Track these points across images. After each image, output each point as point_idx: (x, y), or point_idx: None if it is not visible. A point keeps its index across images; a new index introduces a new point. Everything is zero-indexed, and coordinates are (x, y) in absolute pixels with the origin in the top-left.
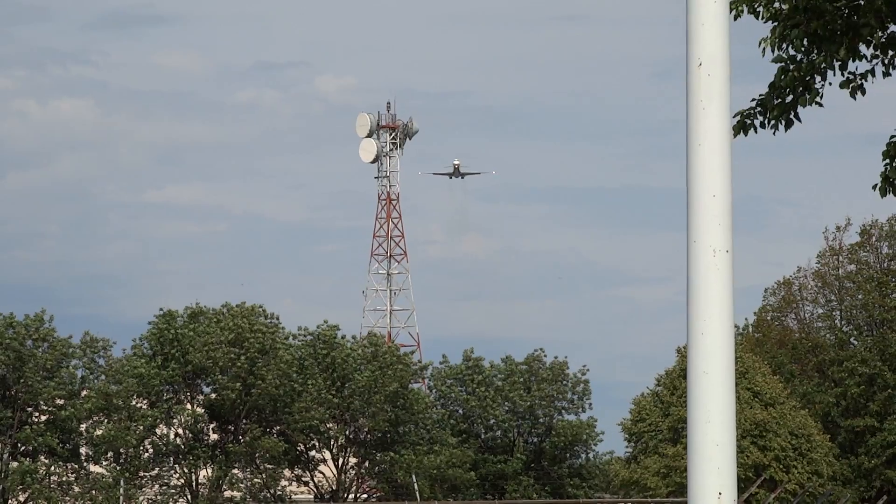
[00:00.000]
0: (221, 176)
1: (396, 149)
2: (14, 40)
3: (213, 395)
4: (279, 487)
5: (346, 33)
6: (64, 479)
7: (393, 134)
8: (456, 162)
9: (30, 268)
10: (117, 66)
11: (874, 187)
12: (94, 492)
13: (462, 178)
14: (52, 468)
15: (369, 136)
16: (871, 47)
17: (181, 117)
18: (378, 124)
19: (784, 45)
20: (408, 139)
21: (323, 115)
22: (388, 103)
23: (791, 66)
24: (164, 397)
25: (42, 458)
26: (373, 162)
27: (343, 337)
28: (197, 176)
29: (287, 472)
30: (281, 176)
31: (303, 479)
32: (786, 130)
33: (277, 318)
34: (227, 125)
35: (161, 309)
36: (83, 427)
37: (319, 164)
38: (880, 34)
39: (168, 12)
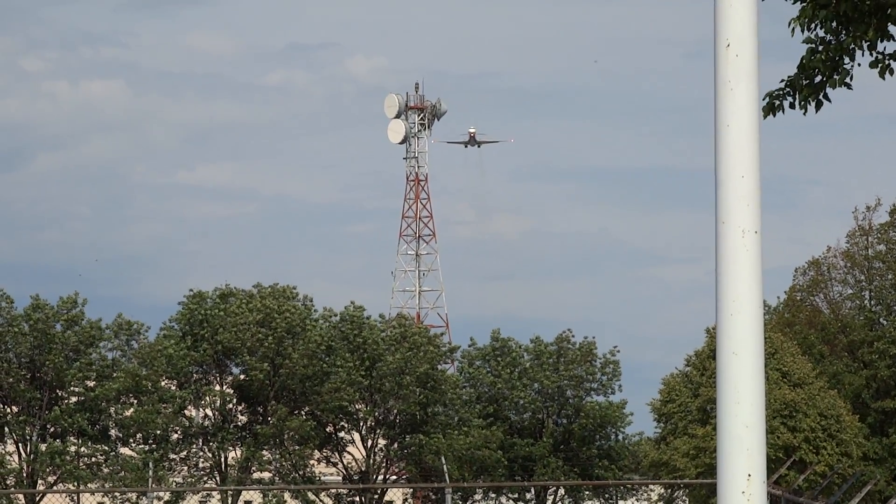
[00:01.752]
0: (251, 157)
1: (425, 129)
2: (45, 22)
3: (242, 377)
4: (308, 469)
5: (378, 14)
6: (93, 460)
7: (421, 115)
8: (472, 130)
9: (60, 249)
10: (148, 48)
11: None
12: (123, 473)
13: (478, 146)
14: (82, 449)
15: (398, 117)
16: None
17: (212, 98)
18: (406, 105)
19: (813, 26)
20: (436, 120)
21: (353, 96)
22: (417, 84)
23: (820, 47)
24: (193, 378)
25: (71, 438)
26: (401, 143)
27: (370, 318)
28: (227, 157)
29: (316, 454)
30: (311, 157)
31: (332, 460)
32: (816, 111)
33: (311, 300)
34: (258, 106)
35: (191, 290)
36: (112, 409)
37: (349, 145)
38: None
39: None
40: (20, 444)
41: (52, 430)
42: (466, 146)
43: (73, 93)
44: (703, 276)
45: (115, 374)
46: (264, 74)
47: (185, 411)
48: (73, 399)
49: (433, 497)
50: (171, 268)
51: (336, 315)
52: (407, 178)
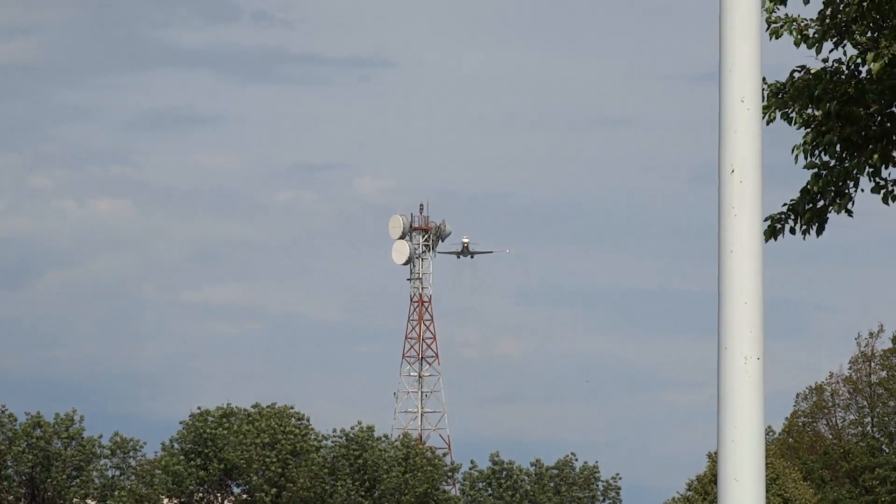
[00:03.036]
0: (258, 276)
1: (429, 251)
2: (54, 139)
3: (245, 497)
4: None
5: (386, 135)
6: None
7: (426, 236)
8: (465, 240)
9: (65, 366)
10: (156, 166)
11: None
12: None
13: (471, 256)
14: None
15: (402, 237)
16: None
17: (219, 217)
18: (411, 226)
19: (817, 152)
20: (441, 241)
21: (361, 215)
22: (421, 205)
23: (824, 172)
24: (195, 497)
25: None
26: (405, 264)
27: (377, 438)
28: (234, 275)
29: None
30: (317, 276)
31: None
32: (817, 235)
33: (308, 420)
34: (265, 225)
35: (199, 408)
36: None
37: (355, 265)
38: None
39: (208, 112)
40: None
41: None
42: (459, 256)
43: (80, 210)
44: (706, 401)
45: (115, 493)
46: (272, 193)
47: None
48: None
49: None
50: (177, 385)
51: (345, 435)
52: (411, 299)
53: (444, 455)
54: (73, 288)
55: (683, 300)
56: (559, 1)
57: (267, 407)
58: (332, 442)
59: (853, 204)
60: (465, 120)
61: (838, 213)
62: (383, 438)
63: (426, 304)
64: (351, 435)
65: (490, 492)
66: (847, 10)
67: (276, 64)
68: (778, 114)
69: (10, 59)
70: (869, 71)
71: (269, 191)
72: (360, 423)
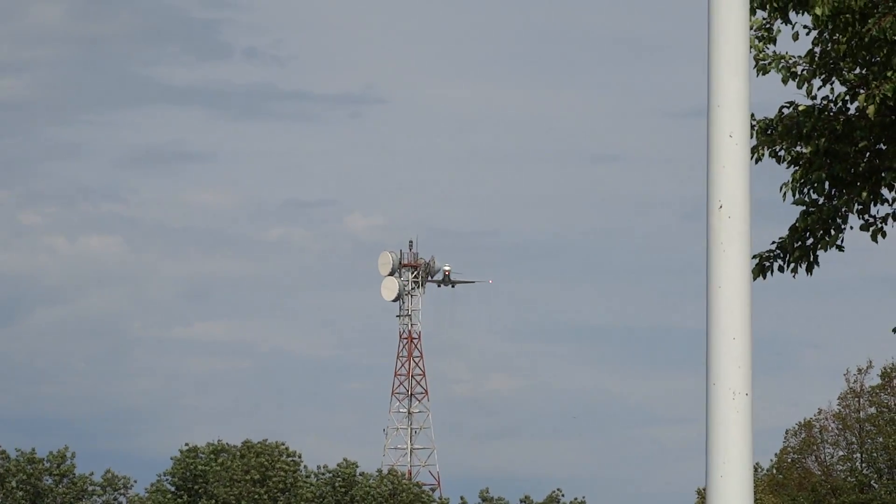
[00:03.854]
0: (248, 312)
1: (418, 287)
2: (46, 177)
3: None
4: None
5: (376, 172)
6: None
7: (415, 272)
8: (447, 268)
9: (56, 402)
10: (147, 203)
11: (894, 330)
12: None
13: (452, 286)
14: None
15: (391, 274)
16: (894, 191)
17: (210, 254)
18: (400, 263)
19: (805, 189)
20: (430, 277)
21: (350, 252)
22: (411, 242)
23: (812, 210)
24: None
25: None
26: (394, 300)
27: (362, 474)
28: (224, 312)
29: None
30: (307, 313)
31: None
32: (807, 273)
33: (299, 456)
34: (256, 262)
35: (186, 444)
36: None
37: (345, 302)
38: None
39: (199, 149)
40: None
41: None
42: (440, 285)
43: (71, 247)
44: (695, 436)
45: None
46: (263, 230)
47: None
48: None
49: None
50: (166, 422)
51: (330, 472)
52: (400, 336)
53: (434, 491)
54: (63, 324)
55: (672, 336)
56: (548, 38)
57: (258, 443)
58: (318, 478)
59: (843, 241)
60: (455, 157)
61: (826, 251)
62: (369, 475)
63: (415, 341)
64: (336, 471)
65: None
66: (836, 48)
67: (267, 101)
68: (767, 152)
69: (0, 96)
70: (858, 108)
71: (260, 227)
72: (345, 459)
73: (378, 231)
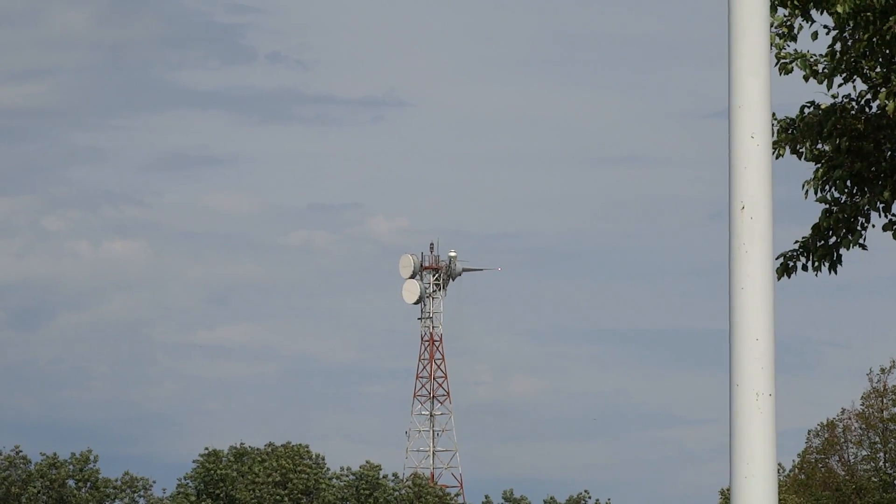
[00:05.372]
0: (271, 316)
1: (440, 290)
2: (68, 182)
3: None
4: None
5: (399, 175)
6: None
7: (436, 275)
8: (452, 253)
9: (79, 407)
10: (170, 207)
11: None
12: None
13: (459, 274)
14: None
15: (412, 277)
16: None
17: (233, 258)
18: (422, 265)
19: (827, 187)
20: (451, 280)
21: (373, 255)
22: (432, 244)
23: (834, 208)
24: None
25: None
26: (416, 303)
27: (385, 477)
28: (247, 316)
29: None
30: (330, 316)
31: None
32: (830, 272)
33: (323, 459)
34: (279, 266)
35: (206, 448)
36: None
37: (368, 305)
38: None
39: (222, 154)
40: None
41: None
42: (452, 278)
43: (94, 252)
44: (719, 438)
45: None
46: (286, 234)
47: None
48: None
49: None
50: (189, 426)
51: (353, 474)
52: (422, 339)
53: (457, 494)
54: (87, 329)
55: (695, 337)
56: (571, 39)
57: (281, 446)
58: (341, 481)
59: (864, 239)
60: (478, 159)
61: (849, 250)
62: (391, 477)
63: (437, 343)
64: (359, 474)
65: None
66: (857, 45)
67: (290, 105)
68: (788, 149)
69: (24, 102)
70: (879, 106)
71: (282, 231)
72: (368, 462)
73: (401, 234)
